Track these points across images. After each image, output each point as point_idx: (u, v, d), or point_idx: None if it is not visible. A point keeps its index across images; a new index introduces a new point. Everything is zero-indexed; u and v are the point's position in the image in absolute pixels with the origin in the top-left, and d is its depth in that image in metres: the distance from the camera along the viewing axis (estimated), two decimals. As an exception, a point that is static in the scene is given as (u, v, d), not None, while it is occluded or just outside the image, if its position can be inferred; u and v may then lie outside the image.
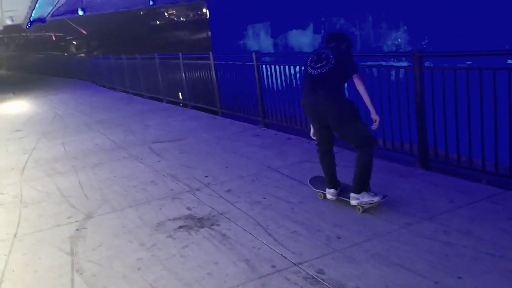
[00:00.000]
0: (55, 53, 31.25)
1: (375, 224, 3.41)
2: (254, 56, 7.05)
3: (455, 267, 2.71)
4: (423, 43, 7.93)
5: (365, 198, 3.56)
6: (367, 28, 9.38)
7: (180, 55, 9.94)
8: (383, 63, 5.94)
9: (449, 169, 4.34)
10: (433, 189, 3.94)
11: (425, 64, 4.40)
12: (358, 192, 3.57)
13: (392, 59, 7.24)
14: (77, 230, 3.95)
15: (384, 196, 3.61)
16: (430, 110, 4.40)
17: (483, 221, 3.25)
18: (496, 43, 6.63)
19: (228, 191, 4.44)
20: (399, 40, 8.54)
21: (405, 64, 4.45)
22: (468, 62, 4.67)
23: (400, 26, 8.64)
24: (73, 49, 39.34)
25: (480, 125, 3.97)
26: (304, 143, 5.92)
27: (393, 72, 4.73)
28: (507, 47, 6.45)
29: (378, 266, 2.83)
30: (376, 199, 3.56)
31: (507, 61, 5.07)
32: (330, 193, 3.83)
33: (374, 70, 5.13)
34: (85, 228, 3.98)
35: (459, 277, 2.61)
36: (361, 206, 3.59)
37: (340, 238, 3.25)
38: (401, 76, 4.64)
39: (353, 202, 3.60)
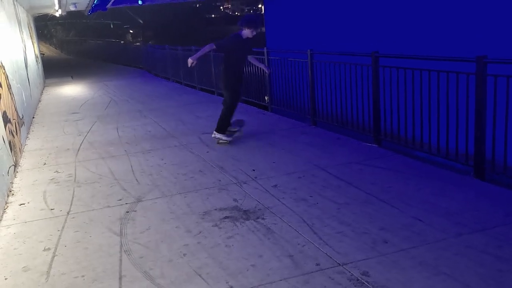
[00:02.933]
0: (113, 40, 32.42)
1: (425, 231, 3.33)
2: (309, 53, 7.02)
3: (507, 282, 2.61)
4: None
5: (218, 135, 6.12)
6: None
7: (234, 48, 10.03)
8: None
9: (507, 182, 4.15)
10: (488, 201, 3.79)
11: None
12: (217, 131, 6.15)
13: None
14: (127, 212, 4.13)
15: (235, 131, 6.25)
16: (490, 118, 4.22)
17: (541, 239, 3.10)
18: None
19: (275, 186, 4.48)
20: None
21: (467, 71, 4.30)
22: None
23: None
24: (129, 38, 40.70)
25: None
26: (353, 144, 5.85)
27: (454, 78, 4.57)
28: None
29: (425, 274, 2.77)
30: (225, 138, 6.10)
31: None
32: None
33: (434, 74, 4.98)
34: (135, 211, 4.14)
35: (512, 294, 2.51)
36: (216, 138, 6.13)
37: (387, 242, 3.21)
38: (462, 82, 4.47)
39: (212, 135, 6.18)
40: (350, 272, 2.86)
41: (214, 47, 5.74)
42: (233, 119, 6.33)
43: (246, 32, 5.80)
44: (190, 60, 5.70)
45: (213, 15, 42.44)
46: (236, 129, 6.35)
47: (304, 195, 4.19)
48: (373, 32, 9.44)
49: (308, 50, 7.04)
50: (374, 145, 5.75)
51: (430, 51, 5.95)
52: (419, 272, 2.80)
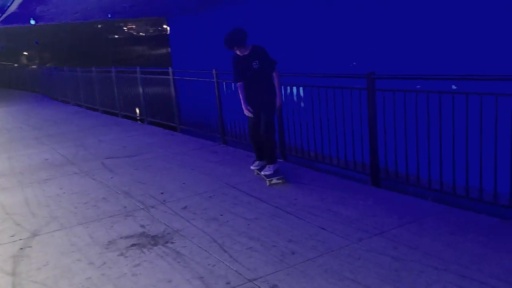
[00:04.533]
0: (4, 63, 30.02)
1: (329, 239, 3.48)
2: (214, 72, 7.08)
3: (403, 281, 2.81)
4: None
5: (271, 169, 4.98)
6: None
7: (138, 69, 9.82)
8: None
9: (399, 187, 4.51)
10: (384, 206, 4.07)
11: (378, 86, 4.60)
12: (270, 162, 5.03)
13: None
14: (21, 249, 3.77)
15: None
16: (381, 130, 4.58)
17: (429, 236, 3.39)
18: (442, 69, 7.05)
19: (185, 208, 4.39)
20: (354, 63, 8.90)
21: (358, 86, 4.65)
22: (418, 86, 4.90)
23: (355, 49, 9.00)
24: (24, 60, 37.93)
25: (427, 145, 4.18)
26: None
27: (347, 93, 4.89)
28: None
29: (331, 280, 2.88)
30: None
31: (451, 86, 5.38)
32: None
33: (330, 90, 5.30)
34: (30, 246, 3.80)
35: (407, 291, 2.70)
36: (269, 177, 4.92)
37: (294, 254, 3.29)
38: (355, 97, 4.81)
39: (263, 173, 5.01)
40: (259, 287, 2.88)
41: (239, 82, 4.92)
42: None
43: (239, 51, 4.80)
44: (247, 112, 4.92)
45: (116, 36, 41.17)
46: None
47: (215, 214, 4.16)
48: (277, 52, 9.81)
49: (214, 69, 7.10)
50: (280, 160, 5.92)
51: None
52: (326, 279, 2.91)
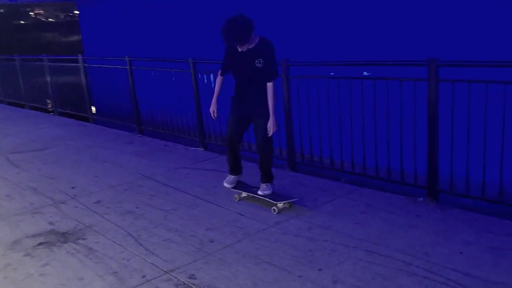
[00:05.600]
0: None
1: (247, 224, 3.51)
2: (127, 59, 6.79)
3: (316, 260, 2.91)
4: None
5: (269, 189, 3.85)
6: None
7: (45, 57, 9.14)
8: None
9: (314, 171, 4.67)
10: (300, 189, 4.19)
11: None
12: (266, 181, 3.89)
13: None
14: None
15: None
16: (296, 117, 4.69)
17: (341, 216, 3.56)
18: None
19: (97, 202, 4.18)
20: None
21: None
22: (332, 73, 5.02)
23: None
24: None
25: (338, 129, 4.35)
26: (180, 150, 5.87)
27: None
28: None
29: (248, 265, 2.91)
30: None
31: (363, 72, 5.65)
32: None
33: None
34: None
35: (320, 269, 2.80)
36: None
37: (213, 242, 3.27)
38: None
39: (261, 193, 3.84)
40: (176, 278, 2.82)
41: (221, 76, 3.87)
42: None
43: (242, 47, 3.53)
44: (213, 107, 3.86)
45: (22, 22, 37.99)
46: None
47: (131, 207, 4.01)
48: (190, 40, 9.61)
49: (126, 56, 6.81)
50: (200, 149, 5.86)
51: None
52: (243, 264, 2.93)
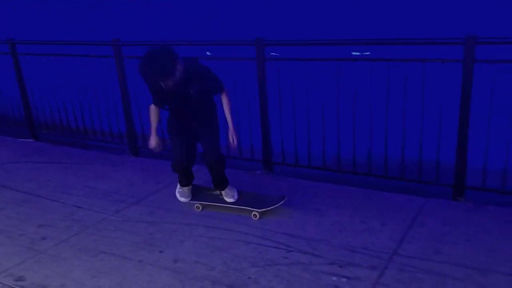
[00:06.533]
0: None
1: (85, 216, 3.34)
2: (9, 43, 5.19)
3: (157, 243, 2.93)
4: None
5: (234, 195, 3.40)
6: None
7: None
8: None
9: (156, 154, 4.59)
10: (143, 174, 4.13)
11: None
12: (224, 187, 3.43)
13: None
14: None
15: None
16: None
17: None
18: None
19: None
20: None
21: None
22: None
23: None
24: None
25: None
26: (7, 142, 5.29)
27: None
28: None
29: (84, 258, 2.79)
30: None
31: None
32: None
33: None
34: None
35: (161, 251, 2.83)
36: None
37: (45, 239, 3.04)
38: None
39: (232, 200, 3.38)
40: (2, 282, 2.56)
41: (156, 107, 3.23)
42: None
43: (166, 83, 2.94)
44: (153, 143, 3.27)
45: None
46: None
47: None
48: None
49: (7, 39, 5.18)
50: (30, 140, 5.32)
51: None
52: (79, 258, 2.80)
